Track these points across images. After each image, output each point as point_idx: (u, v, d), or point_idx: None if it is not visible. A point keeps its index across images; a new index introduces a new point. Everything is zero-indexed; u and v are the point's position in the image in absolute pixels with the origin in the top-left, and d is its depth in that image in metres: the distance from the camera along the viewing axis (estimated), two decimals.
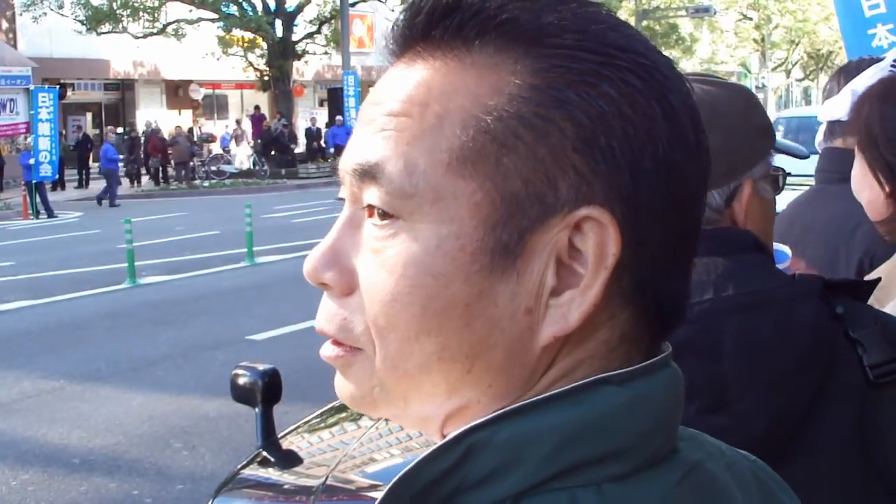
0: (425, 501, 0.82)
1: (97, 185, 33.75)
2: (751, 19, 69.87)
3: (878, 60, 2.98)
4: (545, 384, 0.85)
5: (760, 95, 76.09)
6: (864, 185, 2.31)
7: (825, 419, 1.59)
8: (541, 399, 0.82)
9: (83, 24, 39.65)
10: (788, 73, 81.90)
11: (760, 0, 67.86)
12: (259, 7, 40.47)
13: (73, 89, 45.53)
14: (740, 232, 1.78)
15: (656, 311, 0.87)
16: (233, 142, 41.42)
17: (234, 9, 40.36)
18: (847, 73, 3.15)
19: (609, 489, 0.82)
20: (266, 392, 3.94)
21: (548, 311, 0.83)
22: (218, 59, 42.68)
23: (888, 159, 2.21)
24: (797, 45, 74.47)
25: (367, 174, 0.86)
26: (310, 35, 42.52)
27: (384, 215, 0.85)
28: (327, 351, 0.91)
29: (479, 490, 0.82)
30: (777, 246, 2.15)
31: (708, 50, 66.34)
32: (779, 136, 2.01)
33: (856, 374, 1.60)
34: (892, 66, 2.82)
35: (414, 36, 0.88)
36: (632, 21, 51.05)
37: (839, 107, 2.87)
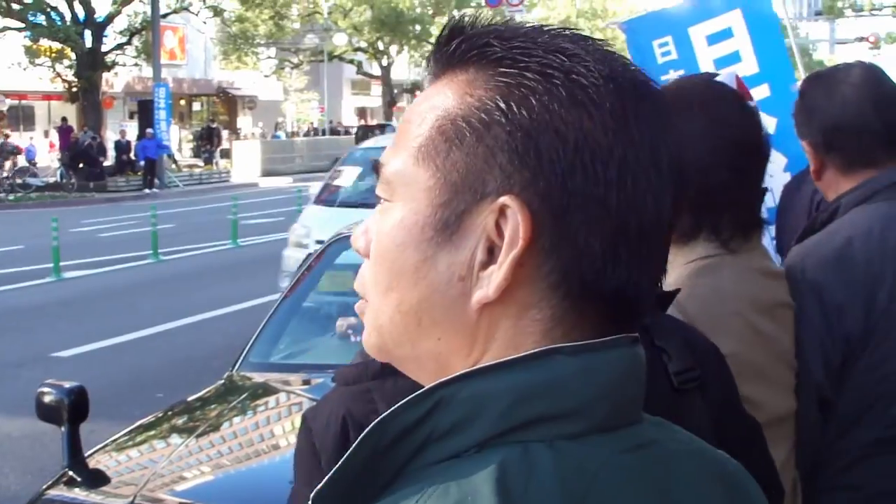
0: (398, 450, 0.95)
1: None
2: None
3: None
4: (496, 352, 1.00)
5: None
6: None
7: None
8: (499, 363, 0.97)
9: None
10: None
11: (571, 18, 69.06)
12: (68, 17, 39.40)
13: None
14: None
15: (598, 300, 1.01)
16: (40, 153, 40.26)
17: (41, 18, 39.22)
18: None
19: (560, 445, 0.95)
20: (72, 410, 3.89)
21: (478, 282, 1.00)
22: (24, 70, 41.41)
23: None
24: None
25: (377, 170, 1.08)
26: (120, 46, 41.57)
27: (383, 200, 1.07)
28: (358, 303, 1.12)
29: (446, 440, 0.95)
30: None
31: None
32: None
33: (662, 381, 1.67)
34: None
35: (434, 62, 1.09)
36: None
37: None
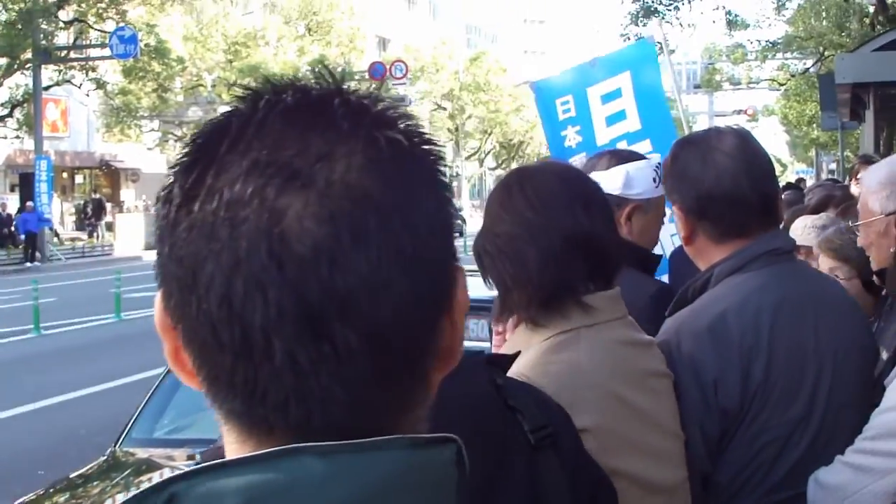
0: None
1: None
2: (445, 109, 71.72)
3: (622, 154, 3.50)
4: (233, 446, 0.95)
5: (454, 184, 77.68)
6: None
7: (508, 485, 1.64)
8: (240, 458, 0.88)
9: None
10: (482, 161, 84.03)
11: (454, 91, 69.80)
12: None
13: None
14: None
15: (252, 398, 0.90)
16: None
17: None
18: (619, 156, 3.46)
19: None
20: None
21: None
22: None
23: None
24: (490, 134, 76.76)
25: None
26: (1, 118, 41.07)
27: None
28: None
29: None
30: None
31: None
32: None
33: (521, 440, 1.67)
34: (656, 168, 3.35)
35: None
36: None
37: (612, 181, 3.18)
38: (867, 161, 7.37)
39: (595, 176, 3.35)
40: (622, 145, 5.33)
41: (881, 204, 3.30)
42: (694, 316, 2.68)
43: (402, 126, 0.96)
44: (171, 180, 0.95)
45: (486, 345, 4.53)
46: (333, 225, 0.88)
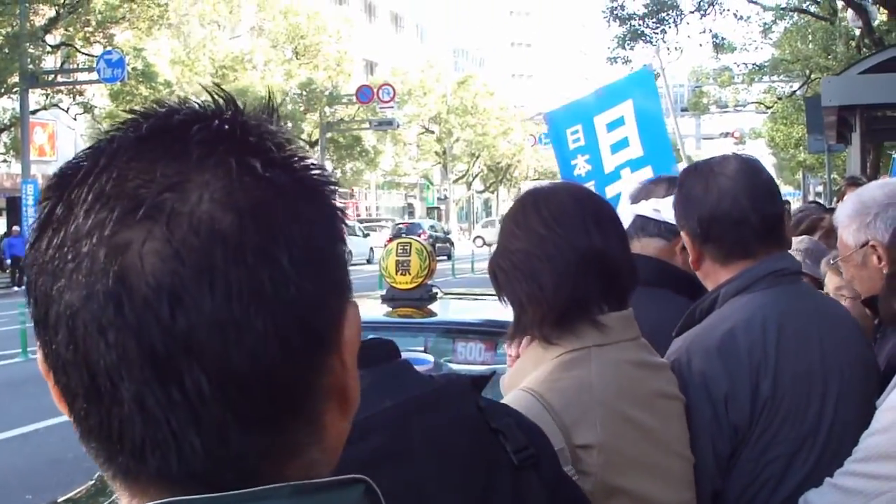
0: None
1: None
2: (433, 132, 71.87)
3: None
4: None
5: (442, 207, 77.59)
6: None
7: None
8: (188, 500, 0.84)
9: None
10: (469, 185, 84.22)
11: (442, 114, 69.95)
12: None
13: None
14: (382, 342, 1.86)
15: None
16: None
17: None
18: (672, 183, 3.40)
19: None
20: None
21: None
22: None
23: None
24: (477, 157, 76.92)
25: None
26: None
27: None
28: None
29: None
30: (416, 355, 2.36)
31: (391, 162, 67.79)
32: None
33: (504, 461, 1.69)
34: None
35: None
36: (316, 133, 51.75)
37: (671, 210, 3.14)
38: (854, 183, 7.40)
39: (653, 203, 3.39)
40: (626, 173, 5.56)
41: (853, 237, 3.36)
42: (703, 334, 2.73)
43: (272, 153, 0.89)
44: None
45: (475, 368, 4.55)
46: (177, 261, 0.81)
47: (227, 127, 0.89)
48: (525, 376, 2.34)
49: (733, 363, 2.63)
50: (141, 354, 0.81)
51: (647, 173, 5.39)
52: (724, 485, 2.62)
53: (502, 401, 2.13)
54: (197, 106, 0.91)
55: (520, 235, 2.39)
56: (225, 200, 0.84)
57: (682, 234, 2.94)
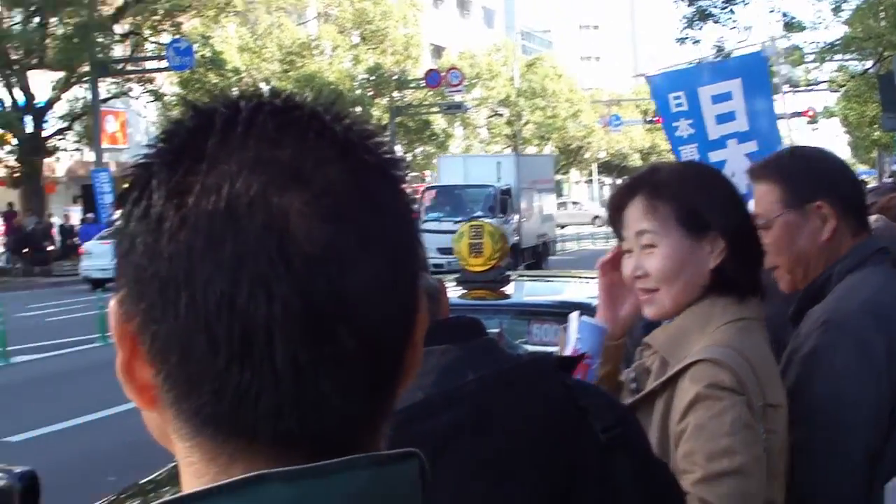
0: None
1: None
2: (502, 115, 71.58)
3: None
4: (209, 476, 0.89)
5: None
6: None
7: (581, 485, 1.67)
8: (203, 490, 0.85)
9: None
10: None
11: (511, 97, 69.66)
12: (8, 102, 39.39)
13: None
14: (470, 319, 1.94)
15: (232, 424, 0.87)
16: None
17: None
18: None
19: None
20: (23, 495, 3.94)
21: None
22: None
23: None
24: (548, 140, 76.56)
25: None
26: (61, 131, 41.47)
27: None
28: None
29: None
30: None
31: (462, 145, 67.60)
32: None
33: (591, 440, 1.69)
34: None
35: None
36: (386, 118, 51.75)
37: None
38: None
39: None
40: (732, 143, 5.94)
41: None
42: (842, 304, 2.74)
43: (378, 146, 0.95)
44: (140, 176, 0.92)
45: (550, 349, 4.59)
46: (340, 226, 0.86)
47: (321, 110, 0.93)
48: (689, 335, 2.47)
49: (884, 322, 2.66)
50: (304, 311, 0.84)
51: (751, 147, 5.85)
52: (884, 447, 2.59)
53: (697, 352, 2.36)
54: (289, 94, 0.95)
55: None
56: (370, 179, 0.91)
57: (819, 202, 2.84)
